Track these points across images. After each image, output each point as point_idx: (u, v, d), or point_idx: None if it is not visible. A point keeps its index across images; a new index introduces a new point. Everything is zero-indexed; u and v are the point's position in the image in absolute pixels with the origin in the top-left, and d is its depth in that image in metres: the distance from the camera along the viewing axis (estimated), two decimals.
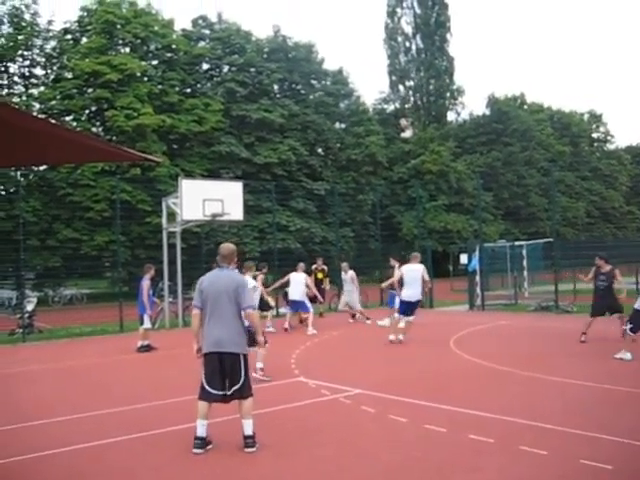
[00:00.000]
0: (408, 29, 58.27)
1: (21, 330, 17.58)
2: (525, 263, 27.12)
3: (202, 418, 6.62)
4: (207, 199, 18.43)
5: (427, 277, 14.46)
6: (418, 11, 57.82)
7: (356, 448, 6.67)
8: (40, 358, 14.18)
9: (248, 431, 6.63)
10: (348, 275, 20.18)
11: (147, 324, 14.96)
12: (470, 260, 22.84)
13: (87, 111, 35.16)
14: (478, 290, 22.45)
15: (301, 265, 18.17)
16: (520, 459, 6.10)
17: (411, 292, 14.19)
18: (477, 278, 22.45)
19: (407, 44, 58.22)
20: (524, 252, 27.21)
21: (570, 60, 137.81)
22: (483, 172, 48.17)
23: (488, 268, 25.44)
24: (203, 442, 6.58)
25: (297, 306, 17.52)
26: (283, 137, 40.25)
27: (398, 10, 58.68)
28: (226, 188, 19.80)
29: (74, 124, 33.97)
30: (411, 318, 14.45)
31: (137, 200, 31.38)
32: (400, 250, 39.16)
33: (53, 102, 33.32)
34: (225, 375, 6.69)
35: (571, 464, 5.88)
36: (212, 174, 34.26)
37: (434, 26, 57.27)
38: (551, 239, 24.00)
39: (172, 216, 19.83)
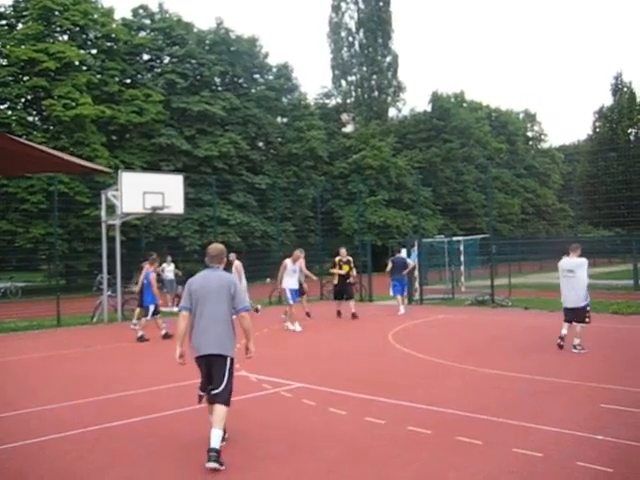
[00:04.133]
0: (351, 24, 58.61)
1: None
2: (462, 258, 27.70)
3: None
4: (147, 192, 18.29)
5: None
6: (362, 6, 58.14)
7: (298, 441, 6.78)
8: None
9: (215, 443, 5.98)
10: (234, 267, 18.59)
11: (150, 316, 15.14)
12: (409, 255, 23.21)
13: (23, 100, 34.31)
14: (416, 284, 22.85)
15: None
16: (456, 449, 6.30)
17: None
18: (416, 272, 22.84)
19: (350, 39, 58.53)
20: (461, 247, 27.78)
21: (507, 60, 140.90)
22: (422, 168, 48.93)
23: (426, 263, 25.90)
24: (217, 454, 5.95)
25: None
26: (224, 130, 40.06)
27: (342, 5, 58.95)
28: (166, 181, 19.68)
29: (9, 113, 33.10)
30: None
31: (75, 192, 30.82)
32: (340, 244, 39.51)
33: None
34: (210, 378, 6.41)
35: (504, 453, 6.12)
36: (152, 166, 33.94)
37: (377, 22, 57.65)
38: (488, 235, 24.57)
39: (111, 209, 19.59)
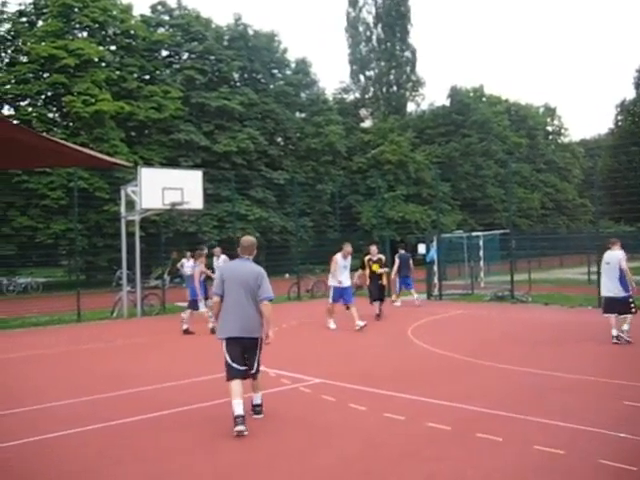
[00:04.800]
0: (369, 19, 58.34)
1: None
2: (482, 253, 27.51)
3: (237, 398, 7.00)
4: (166, 188, 18.33)
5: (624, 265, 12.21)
6: (380, 1, 57.87)
7: (317, 437, 6.76)
8: None
9: (258, 400, 7.54)
10: (221, 260, 18.30)
11: (202, 308, 15.29)
12: (428, 250, 23.11)
13: (43, 96, 34.51)
14: (435, 280, 22.75)
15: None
16: (476, 446, 6.25)
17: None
18: (435, 268, 22.74)
19: (368, 33, 58.27)
20: (481, 243, 27.59)
21: (527, 54, 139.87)
22: (441, 163, 48.63)
23: (445, 258, 25.77)
24: (243, 419, 6.88)
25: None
26: (242, 126, 40.08)
27: None
28: (186, 177, 19.70)
29: (29, 109, 33.35)
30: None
31: (95, 188, 31.00)
32: (358, 240, 39.58)
33: (8, 86, 32.67)
34: (245, 356, 7.26)
35: (526, 450, 6.06)
36: (171, 162, 34.01)
37: (395, 16, 57.36)
38: (507, 230, 24.38)
39: (131, 204, 19.65)
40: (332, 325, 15.22)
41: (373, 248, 17.11)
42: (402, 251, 20.51)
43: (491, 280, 26.28)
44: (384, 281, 17.17)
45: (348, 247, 15.50)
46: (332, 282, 15.48)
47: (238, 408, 6.93)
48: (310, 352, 12.39)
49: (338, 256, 15.40)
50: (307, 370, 10.02)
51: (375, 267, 16.84)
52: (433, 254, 22.82)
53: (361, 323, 14.64)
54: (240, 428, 6.78)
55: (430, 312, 18.12)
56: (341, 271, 15.28)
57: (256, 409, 7.50)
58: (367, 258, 17.04)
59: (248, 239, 7.61)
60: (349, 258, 15.50)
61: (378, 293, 17.06)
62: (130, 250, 19.52)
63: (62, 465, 6.10)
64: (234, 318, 7.20)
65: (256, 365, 7.37)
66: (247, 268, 7.36)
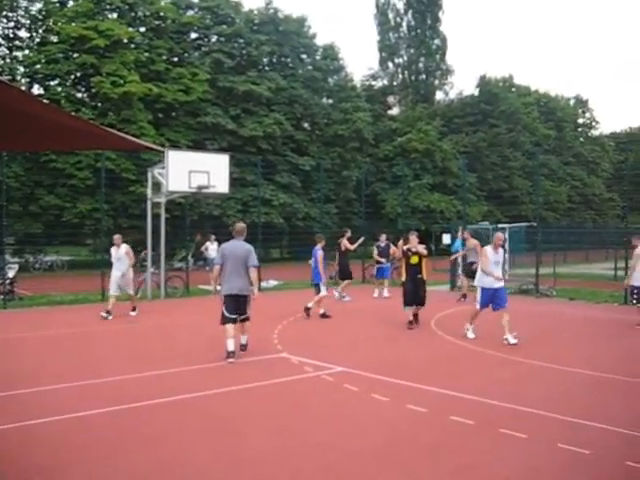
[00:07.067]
0: (400, 5, 57.83)
1: (2, 297, 17.47)
2: (507, 245, 27.24)
3: (230, 338, 9.78)
4: (193, 171, 18.32)
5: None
6: None
7: (339, 426, 6.73)
8: (22, 326, 14.13)
9: (244, 341, 10.41)
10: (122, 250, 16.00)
11: (324, 292, 15.37)
12: (454, 241, 22.93)
13: (72, 76, 34.63)
14: (460, 271, 22.55)
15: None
16: (500, 442, 6.18)
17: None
18: (459, 259, 22.54)
19: (398, 20, 57.83)
20: (506, 235, 27.34)
21: (559, 44, 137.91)
22: (468, 153, 48.20)
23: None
24: (234, 354, 9.74)
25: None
26: (269, 110, 39.99)
27: None
28: (212, 160, 19.66)
29: (59, 89, 33.52)
30: None
31: (121, 169, 31.11)
32: (383, 228, 39.37)
33: (38, 66, 32.85)
34: (238, 308, 9.98)
35: (550, 448, 5.98)
36: (197, 145, 34.05)
37: (426, 3, 56.79)
38: (534, 223, 24.12)
39: (157, 186, 19.69)
40: (471, 334, 12.31)
41: (413, 237, 13.96)
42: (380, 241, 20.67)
43: (516, 273, 26.04)
44: (424, 275, 13.91)
45: (501, 235, 12.42)
46: (481, 282, 12.21)
47: (230, 345, 9.71)
48: (332, 341, 12.33)
49: (488, 249, 12.20)
50: (330, 358, 9.99)
51: (414, 259, 13.79)
52: (458, 245, 22.64)
53: (512, 339, 11.61)
54: (231, 360, 9.59)
55: (454, 303, 17.97)
56: (493, 267, 11.99)
57: (242, 348, 10.31)
58: (406, 248, 14.10)
59: (241, 225, 10.46)
60: (501, 251, 12.33)
61: (419, 294, 13.84)
62: (155, 231, 19.58)
63: (86, 442, 6.15)
64: (232, 281, 9.90)
65: (249, 312, 10.18)
66: (241, 246, 10.09)
